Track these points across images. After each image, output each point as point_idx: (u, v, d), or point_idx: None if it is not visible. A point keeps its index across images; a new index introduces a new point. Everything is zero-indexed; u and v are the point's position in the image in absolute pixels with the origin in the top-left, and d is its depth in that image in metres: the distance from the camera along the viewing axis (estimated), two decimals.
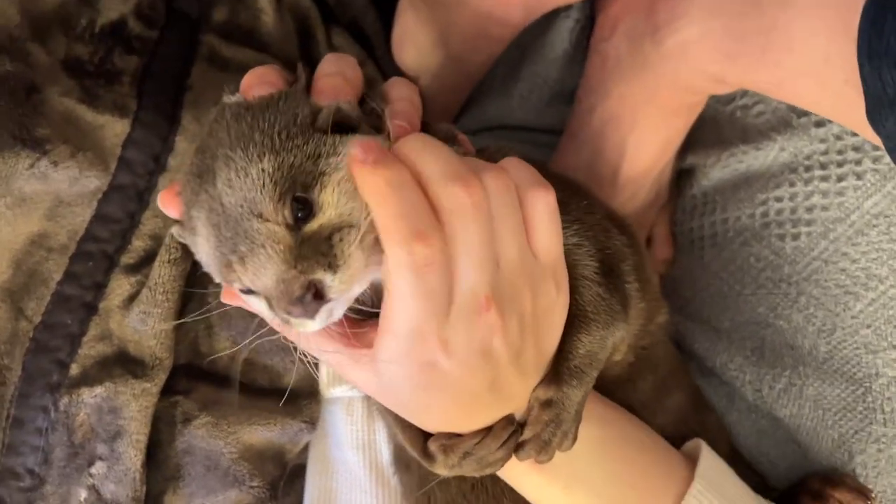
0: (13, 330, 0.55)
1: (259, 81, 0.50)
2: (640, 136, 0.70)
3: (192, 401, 0.58)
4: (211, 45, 0.63)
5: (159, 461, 0.58)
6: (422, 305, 0.44)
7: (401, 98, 0.51)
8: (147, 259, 0.58)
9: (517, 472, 0.54)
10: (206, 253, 0.47)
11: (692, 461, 0.58)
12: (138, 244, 0.58)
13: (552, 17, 0.76)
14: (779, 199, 0.68)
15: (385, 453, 0.65)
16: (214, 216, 0.45)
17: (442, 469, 0.51)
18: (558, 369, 0.50)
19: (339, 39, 0.71)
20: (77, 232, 0.56)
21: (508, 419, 0.50)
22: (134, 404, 0.55)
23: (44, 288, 0.56)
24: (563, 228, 0.50)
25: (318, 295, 0.43)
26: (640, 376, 0.62)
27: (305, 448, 0.66)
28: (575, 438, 0.51)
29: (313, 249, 0.43)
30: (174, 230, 0.51)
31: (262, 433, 0.60)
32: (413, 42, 0.73)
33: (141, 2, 0.59)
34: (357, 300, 0.47)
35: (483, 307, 0.45)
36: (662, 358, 0.66)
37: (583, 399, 0.51)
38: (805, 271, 0.65)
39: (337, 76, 0.50)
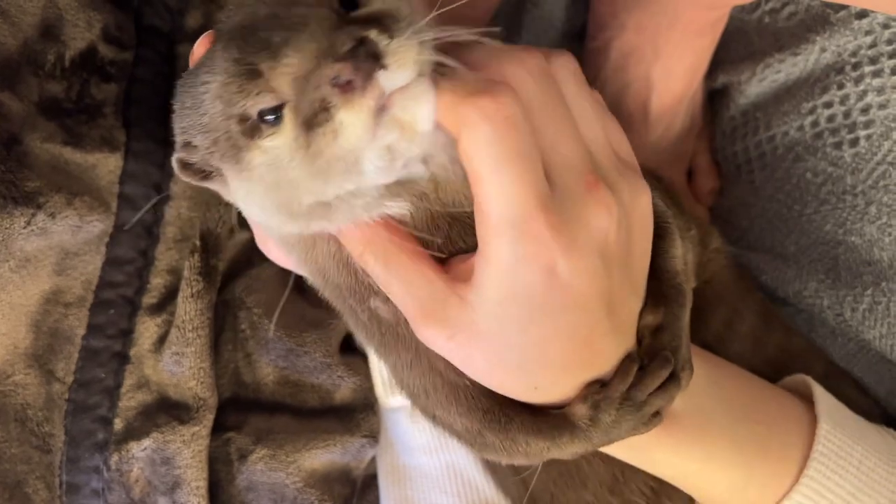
0: (47, 395, 0.52)
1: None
2: (666, 65, 0.65)
3: (244, 435, 0.56)
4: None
5: (223, 502, 0.55)
6: (515, 176, 0.37)
7: None
8: (169, 296, 0.55)
9: (646, 445, 0.47)
10: (220, 82, 0.38)
11: (798, 395, 0.54)
12: (157, 281, 0.55)
13: None
14: (828, 105, 0.62)
15: (461, 450, 0.62)
16: (245, 24, 0.38)
17: (592, 439, 0.43)
18: (661, 290, 0.45)
19: None
20: (91, 281, 0.53)
21: (632, 357, 0.44)
22: (186, 451, 0.53)
23: (70, 346, 0.53)
24: None
25: (371, 55, 0.35)
26: (710, 310, 0.58)
27: (373, 460, 0.63)
28: (692, 368, 0.45)
29: (363, 21, 0.37)
30: (177, 154, 0.42)
31: (323, 456, 0.57)
32: None
33: (107, 24, 0.55)
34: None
35: (591, 183, 0.39)
36: (728, 288, 0.61)
37: (688, 321, 0.46)
38: (870, 178, 0.60)
39: None
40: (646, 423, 0.44)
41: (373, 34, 0.36)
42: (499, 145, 0.37)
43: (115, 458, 0.52)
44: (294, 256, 0.46)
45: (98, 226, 0.52)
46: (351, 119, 0.36)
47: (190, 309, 0.53)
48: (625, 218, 0.41)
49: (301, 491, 0.56)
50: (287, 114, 0.37)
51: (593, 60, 0.68)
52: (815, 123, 0.63)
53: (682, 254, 0.46)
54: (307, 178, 0.38)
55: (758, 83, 0.67)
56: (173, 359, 0.53)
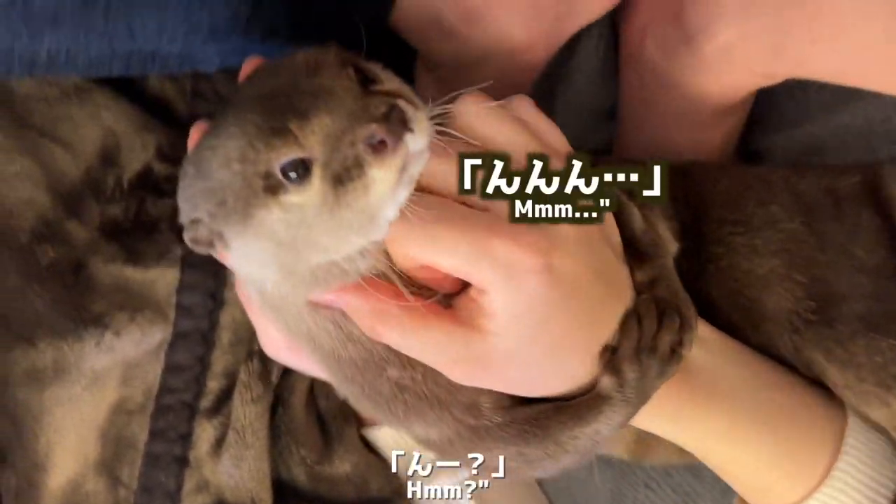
0: (115, 500, 0.55)
1: None
2: (697, 142, 0.66)
3: None
4: None
5: None
6: (458, 232, 0.40)
7: None
8: (223, 397, 0.57)
9: (673, 407, 0.48)
10: (236, 144, 0.40)
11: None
12: (213, 385, 0.57)
13: (573, 39, 0.72)
14: None
15: None
16: (263, 94, 0.41)
17: (630, 400, 0.45)
18: (639, 251, 0.48)
19: None
20: (151, 389, 0.56)
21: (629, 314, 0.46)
22: None
23: (133, 451, 0.56)
24: None
25: (401, 121, 0.39)
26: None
27: None
28: (696, 312, 0.48)
29: (384, 95, 0.41)
30: (187, 234, 0.44)
31: None
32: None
33: (160, 144, 0.58)
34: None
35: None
36: None
37: (672, 266, 0.49)
38: None
39: None
40: (667, 362, 0.46)
41: (401, 103, 0.39)
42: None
43: None
44: (305, 351, 0.47)
45: (157, 335, 0.55)
46: (382, 175, 0.39)
47: (249, 413, 0.55)
48: None
49: None
50: (316, 171, 0.39)
51: (625, 141, 0.70)
52: None
53: (640, 219, 0.49)
54: (326, 234, 0.40)
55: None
56: (232, 461, 0.55)
